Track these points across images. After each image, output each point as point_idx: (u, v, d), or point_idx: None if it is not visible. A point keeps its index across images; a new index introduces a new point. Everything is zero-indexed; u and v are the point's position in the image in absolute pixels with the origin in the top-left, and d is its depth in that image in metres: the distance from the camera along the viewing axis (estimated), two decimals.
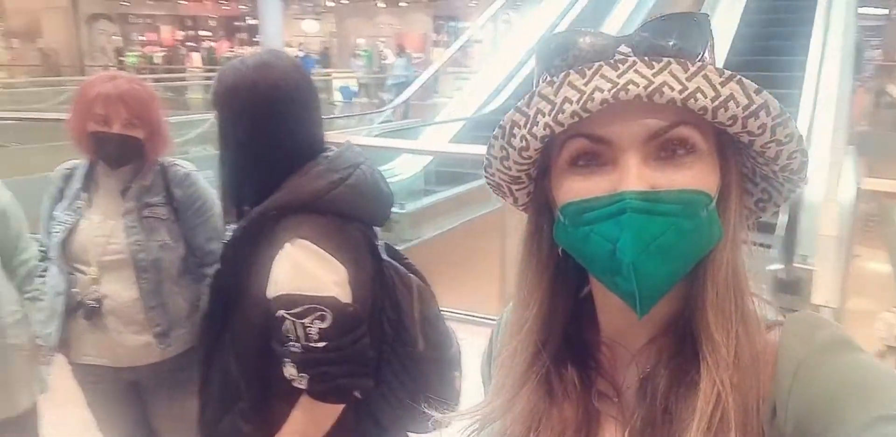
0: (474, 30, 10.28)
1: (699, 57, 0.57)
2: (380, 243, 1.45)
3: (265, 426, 1.33)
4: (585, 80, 0.55)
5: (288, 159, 1.32)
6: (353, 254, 1.31)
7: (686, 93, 0.54)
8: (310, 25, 27.31)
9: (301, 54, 18.08)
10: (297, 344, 1.25)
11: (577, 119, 0.55)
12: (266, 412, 1.34)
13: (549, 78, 0.57)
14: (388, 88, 16.33)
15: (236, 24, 28.90)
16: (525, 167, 0.63)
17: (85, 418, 2.02)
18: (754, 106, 0.55)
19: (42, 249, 1.95)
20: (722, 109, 0.55)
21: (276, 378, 1.29)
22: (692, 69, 0.54)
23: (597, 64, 0.55)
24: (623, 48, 0.57)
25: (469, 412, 0.68)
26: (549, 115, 0.56)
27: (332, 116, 9.93)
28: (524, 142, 0.59)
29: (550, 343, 0.65)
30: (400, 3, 21.88)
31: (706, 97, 0.54)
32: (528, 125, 0.58)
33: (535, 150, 0.60)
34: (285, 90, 1.31)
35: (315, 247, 1.26)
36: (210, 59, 22.39)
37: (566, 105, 0.55)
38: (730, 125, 0.56)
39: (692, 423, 0.55)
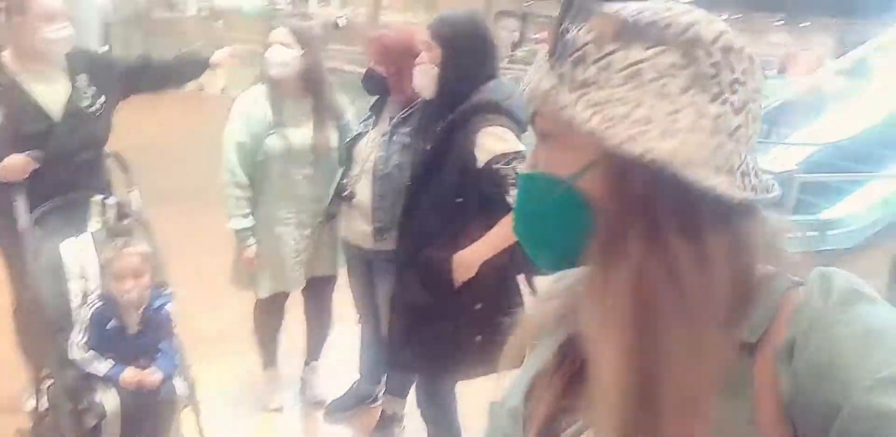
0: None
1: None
2: None
3: (449, 251, 2.09)
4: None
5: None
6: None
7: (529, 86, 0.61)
8: None
9: None
10: (512, 175, 1.97)
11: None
12: (452, 243, 2.11)
13: None
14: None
15: None
16: None
17: None
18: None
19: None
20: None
21: (460, 219, 2.07)
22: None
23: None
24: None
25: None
26: None
27: None
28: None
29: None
30: (802, 24, 19.89)
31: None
32: None
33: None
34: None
35: (503, 128, 2.02)
36: None
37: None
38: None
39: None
